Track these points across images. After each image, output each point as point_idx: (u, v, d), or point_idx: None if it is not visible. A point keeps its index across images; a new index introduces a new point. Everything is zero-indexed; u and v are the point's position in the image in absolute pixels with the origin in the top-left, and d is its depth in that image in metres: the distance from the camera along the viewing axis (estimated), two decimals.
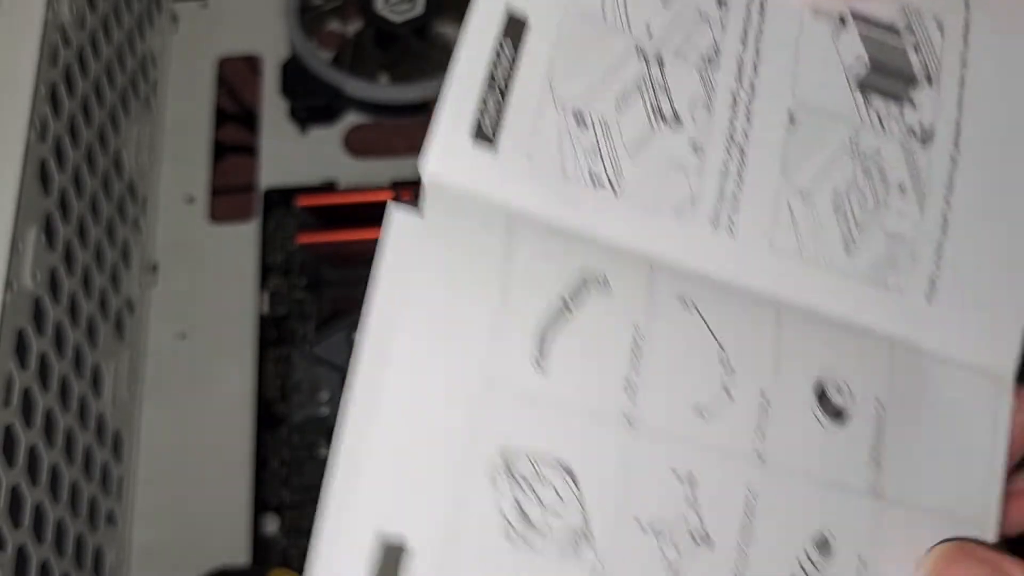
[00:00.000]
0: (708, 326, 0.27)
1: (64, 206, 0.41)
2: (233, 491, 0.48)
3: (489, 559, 0.23)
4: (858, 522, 0.29)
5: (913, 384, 0.30)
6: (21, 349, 0.37)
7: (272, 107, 0.56)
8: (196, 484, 0.48)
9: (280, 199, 0.54)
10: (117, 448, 0.46)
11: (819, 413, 0.28)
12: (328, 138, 0.56)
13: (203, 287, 0.52)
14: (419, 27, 0.56)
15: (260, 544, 0.47)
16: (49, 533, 0.38)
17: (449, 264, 0.24)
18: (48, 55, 0.40)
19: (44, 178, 0.39)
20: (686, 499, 0.26)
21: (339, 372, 0.50)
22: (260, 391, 0.49)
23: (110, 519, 0.45)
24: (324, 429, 0.48)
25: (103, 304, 0.46)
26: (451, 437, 0.24)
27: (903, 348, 0.29)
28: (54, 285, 0.40)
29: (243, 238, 0.53)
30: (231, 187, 0.56)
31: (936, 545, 0.29)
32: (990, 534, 0.30)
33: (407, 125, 0.57)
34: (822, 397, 0.28)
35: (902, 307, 0.29)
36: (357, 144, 0.56)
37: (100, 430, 0.44)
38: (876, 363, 0.29)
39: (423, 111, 0.55)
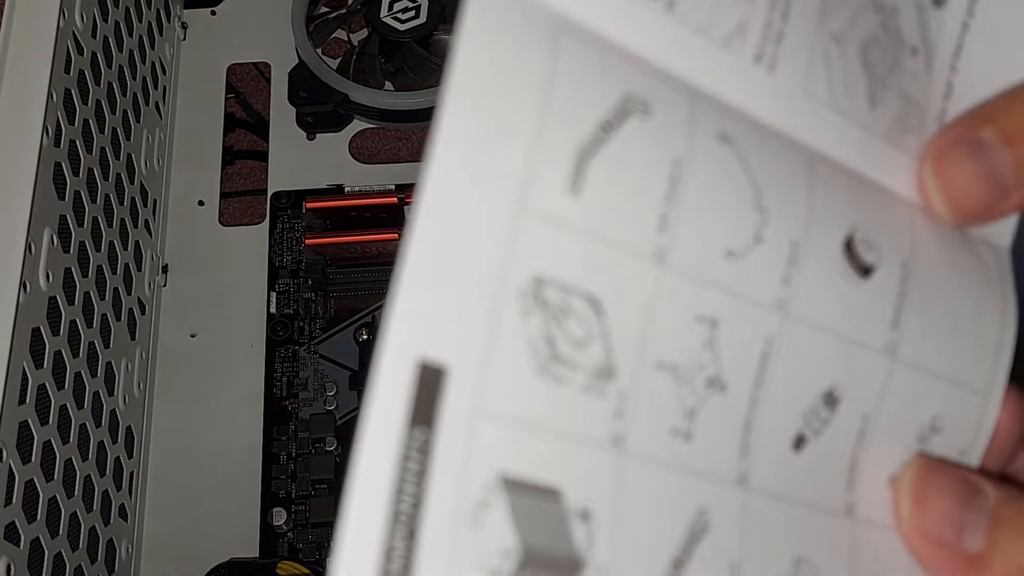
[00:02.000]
0: (745, 165, 0.26)
1: (77, 209, 0.42)
2: (242, 485, 0.49)
3: (519, 390, 0.23)
4: (869, 381, 0.28)
5: (931, 250, 0.29)
6: (36, 348, 0.37)
7: (280, 113, 0.58)
8: (206, 479, 0.49)
9: (288, 202, 0.55)
10: (129, 444, 0.47)
11: (847, 267, 0.28)
12: (335, 143, 0.57)
13: (213, 288, 0.53)
14: (423, 35, 0.57)
15: (269, 537, 0.47)
16: (63, 527, 0.39)
17: (487, 80, 0.23)
18: (61, 63, 0.41)
19: (58, 182, 0.40)
20: (705, 344, 0.26)
21: (345, 370, 0.51)
22: (268, 388, 0.50)
23: (122, 513, 0.46)
24: (331, 424, 0.49)
25: (115, 304, 0.46)
26: (485, 264, 0.23)
27: (923, 213, 0.29)
28: (68, 286, 0.41)
29: (252, 240, 0.54)
30: (240, 191, 0.57)
31: (915, 457, 0.29)
32: (994, 409, 0.30)
33: (411, 131, 0.58)
34: (850, 252, 0.28)
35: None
36: (362, 149, 0.57)
37: (113, 426, 0.45)
38: (901, 224, 0.29)
39: (427, 117, 0.56)
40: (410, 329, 0.22)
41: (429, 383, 0.22)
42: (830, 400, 0.28)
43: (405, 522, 0.22)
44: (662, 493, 0.25)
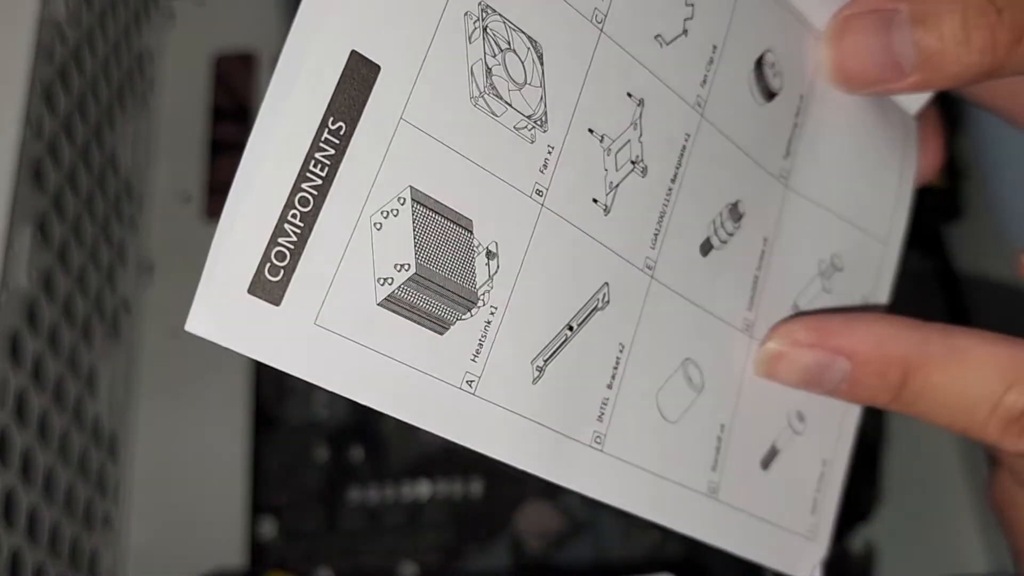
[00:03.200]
0: None
1: (59, 205, 0.41)
2: (230, 493, 0.47)
3: (451, 111, 0.23)
4: (767, 202, 0.30)
5: (830, 93, 0.31)
6: (15, 350, 0.36)
7: None
8: (192, 486, 0.48)
9: None
10: (113, 449, 0.46)
11: (754, 85, 0.29)
12: None
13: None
14: None
15: (257, 547, 0.46)
16: (44, 536, 0.38)
17: None
18: (44, 53, 0.39)
19: (39, 177, 0.39)
20: (633, 121, 0.26)
21: None
22: (257, 392, 0.49)
23: (106, 521, 0.45)
24: (321, 431, 0.48)
25: (99, 304, 0.45)
26: None
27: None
28: (49, 285, 0.39)
29: None
30: (227, 185, 0.55)
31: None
32: (894, 257, 0.32)
33: None
34: (760, 71, 0.29)
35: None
36: None
37: (96, 431, 0.44)
38: (808, 60, 0.30)
39: None
40: (349, 19, 0.22)
41: (358, 76, 0.22)
42: (735, 212, 0.29)
43: (304, 204, 0.23)
44: (573, 256, 0.26)
